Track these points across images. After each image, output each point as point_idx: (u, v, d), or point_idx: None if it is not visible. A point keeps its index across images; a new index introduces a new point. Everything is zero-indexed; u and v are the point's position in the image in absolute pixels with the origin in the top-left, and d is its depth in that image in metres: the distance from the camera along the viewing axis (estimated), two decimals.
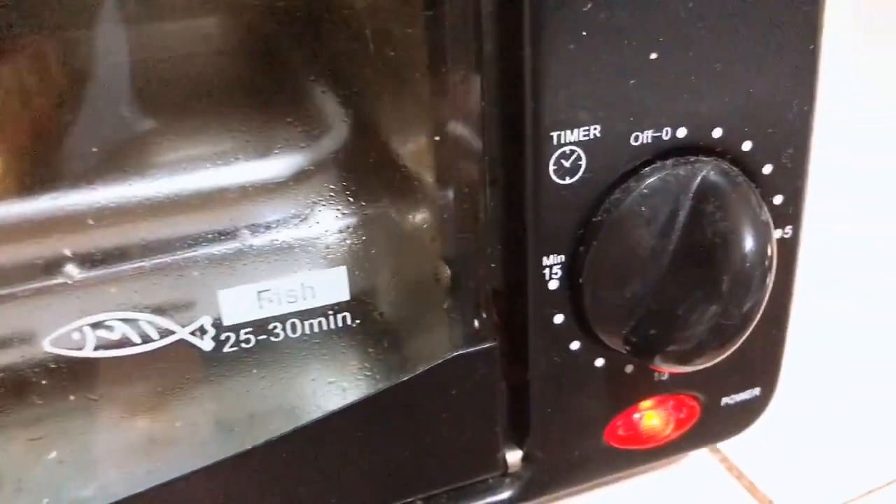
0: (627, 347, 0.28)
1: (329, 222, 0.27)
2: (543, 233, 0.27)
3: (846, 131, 0.68)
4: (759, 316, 0.27)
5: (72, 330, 0.25)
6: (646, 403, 0.32)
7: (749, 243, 0.26)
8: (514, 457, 0.31)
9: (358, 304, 0.28)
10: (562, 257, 0.27)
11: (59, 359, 0.25)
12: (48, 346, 0.25)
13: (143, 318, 0.26)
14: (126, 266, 0.25)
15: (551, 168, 0.26)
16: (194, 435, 0.29)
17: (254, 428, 0.29)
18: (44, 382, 0.26)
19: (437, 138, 0.26)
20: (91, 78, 0.24)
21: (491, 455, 0.30)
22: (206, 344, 0.27)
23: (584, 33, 0.24)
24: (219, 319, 0.26)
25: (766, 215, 0.27)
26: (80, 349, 0.25)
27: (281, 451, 0.27)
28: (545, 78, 0.25)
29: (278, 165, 0.26)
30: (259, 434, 0.27)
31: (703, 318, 0.26)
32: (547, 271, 0.28)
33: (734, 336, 0.27)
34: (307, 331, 0.27)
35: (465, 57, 0.25)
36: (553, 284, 0.28)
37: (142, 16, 0.24)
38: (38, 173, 0.24)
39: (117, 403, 0.27)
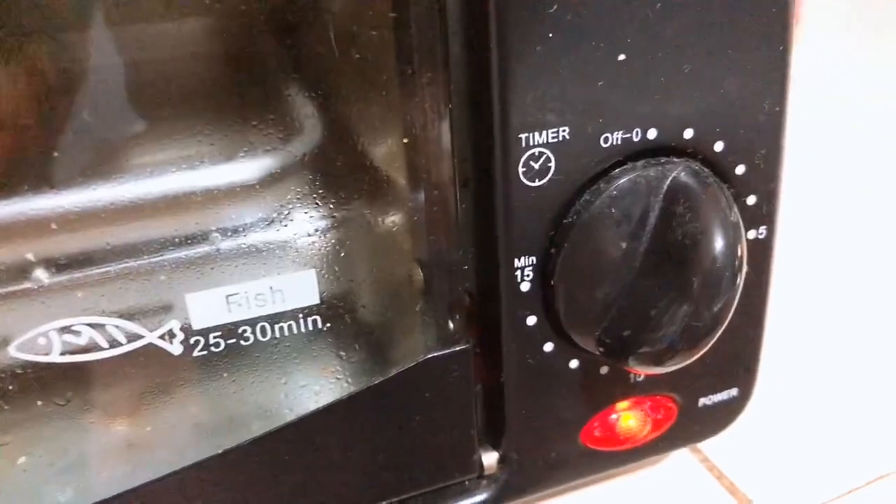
0: (601, 349, 0.28)
1: (298, 226, 0.27)
2: (514, 235, 0.27)
3: (832, 130, 0.68)
4: (729, 317, 0.27)
5: (38, 335, 0.25)
6: (622, 405, 0.32)
7: (719, 244, 0.26)
8: (489, 459, 0.31)
9: (329, 307, 0.28)
10: (533, 259, 0.27)
11: (25, 364, 0.25)
12: (14, 351, 0.25)
13: (111, 322, 0.26)
14: (92, 270, 0.25)
15: (521, 170, 0.26)
16: (172, 438, 0.29)
17: (233, 431, 0.29)
18: (10, 388, 0.25)
19: (405, 140, 0.26)
20: (55, 82, 0.24)
21: (466, 457, 0.30)
22: (176, 348, 0.27)
23: (551, 35, 0.24)
24: (187, 323, 0.26)
25: (737, 216, 0.27)
26: (46, 354, 0.25)
27: (252, 455, 0.27)
28: (512, 80, 0.24)
29: (246, 169, 0.26)
30: (239, 437, 0.27)
31: (675, 319, 0.26)
32: (519, 273, 0.27)
33: (705, 337, 0.27)
34: (277, 334, 0.27)
35: (431, 58, 0.25)
36: (525, 286, 0.28)
37: (106, 21, 0.24)
38: (2, 178, 0.24)
39: (88, 408, 0.27)
